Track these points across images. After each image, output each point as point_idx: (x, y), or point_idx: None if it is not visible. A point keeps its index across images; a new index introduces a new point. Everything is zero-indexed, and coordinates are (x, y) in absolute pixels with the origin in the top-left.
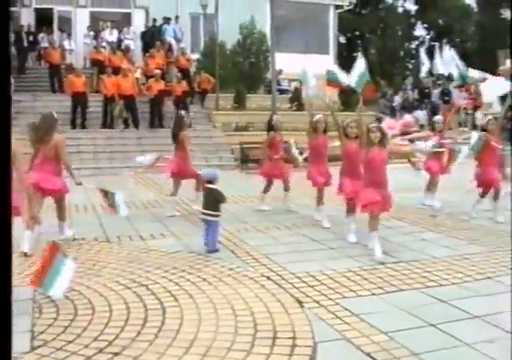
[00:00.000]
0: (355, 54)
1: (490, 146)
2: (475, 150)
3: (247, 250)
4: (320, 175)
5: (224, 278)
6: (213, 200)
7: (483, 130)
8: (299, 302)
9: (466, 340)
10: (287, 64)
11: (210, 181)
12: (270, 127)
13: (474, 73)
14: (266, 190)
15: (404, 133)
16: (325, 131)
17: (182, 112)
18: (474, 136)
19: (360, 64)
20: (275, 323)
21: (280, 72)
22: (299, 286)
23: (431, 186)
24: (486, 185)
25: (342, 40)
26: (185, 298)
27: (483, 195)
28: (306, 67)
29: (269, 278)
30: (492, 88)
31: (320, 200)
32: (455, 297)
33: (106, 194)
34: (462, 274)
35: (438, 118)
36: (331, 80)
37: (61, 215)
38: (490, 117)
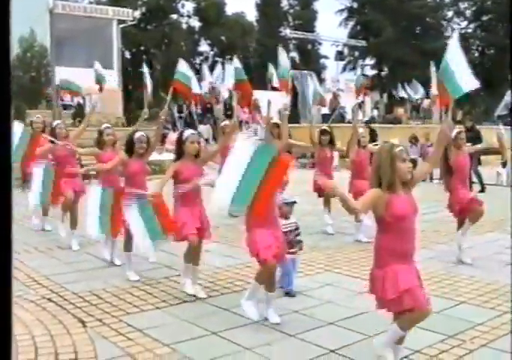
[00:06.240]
0: (140, 69)
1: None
2: None
3: (27, 273)
4: None
5: None
6: None
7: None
8: (82, 322)
9: (246, 345)
10: (70, 78)
11: None
12: None
13: None
14: None
15: None
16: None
17: None
18: None
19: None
20: (57, 345)
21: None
22: (82, 306)
23: None
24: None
25: (127, 55)
26: None
27: None
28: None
29: (50, 300)
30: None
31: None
32: (235, 304)
33: None
34: (243, 281)
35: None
36: None
37: None
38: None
